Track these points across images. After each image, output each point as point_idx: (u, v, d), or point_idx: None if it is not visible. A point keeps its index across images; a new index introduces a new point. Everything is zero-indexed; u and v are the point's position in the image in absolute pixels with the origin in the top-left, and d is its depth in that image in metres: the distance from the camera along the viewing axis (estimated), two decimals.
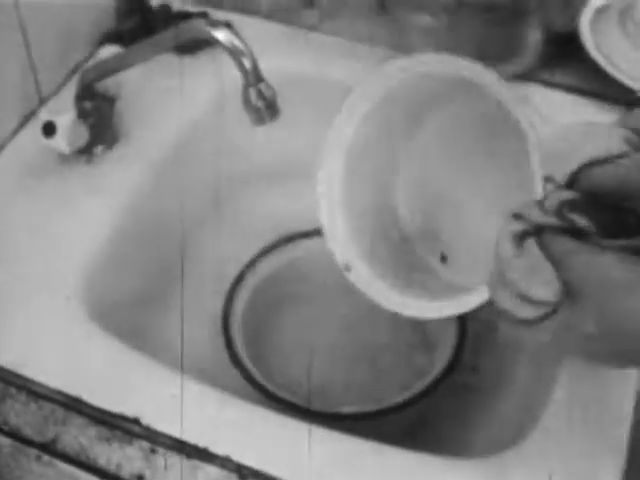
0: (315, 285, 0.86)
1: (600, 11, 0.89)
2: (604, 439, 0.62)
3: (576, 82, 0.88)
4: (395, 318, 0.83)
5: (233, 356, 0.74)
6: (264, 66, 0.70)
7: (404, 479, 0.61)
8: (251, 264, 0.82)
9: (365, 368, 0.82)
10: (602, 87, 0.86)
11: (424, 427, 0.79)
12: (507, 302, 0.47)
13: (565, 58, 0.89)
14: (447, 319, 0.78)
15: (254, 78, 0.67)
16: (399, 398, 0.73)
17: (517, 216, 0.48)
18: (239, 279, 0.81)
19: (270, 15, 0.97)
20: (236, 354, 0.74)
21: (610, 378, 0.66)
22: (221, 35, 0.66)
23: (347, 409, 0.73)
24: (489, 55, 0.87)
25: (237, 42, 0.66)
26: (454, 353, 0.75)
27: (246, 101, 0.68)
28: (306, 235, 0.85)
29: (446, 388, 0.76)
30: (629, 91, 0.83)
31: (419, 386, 0.74)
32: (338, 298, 0.86)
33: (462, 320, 0.77)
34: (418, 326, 0.84)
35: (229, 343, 0.75)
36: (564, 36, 0.87)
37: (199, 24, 0.69)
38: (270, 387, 0.72)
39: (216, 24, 0.67)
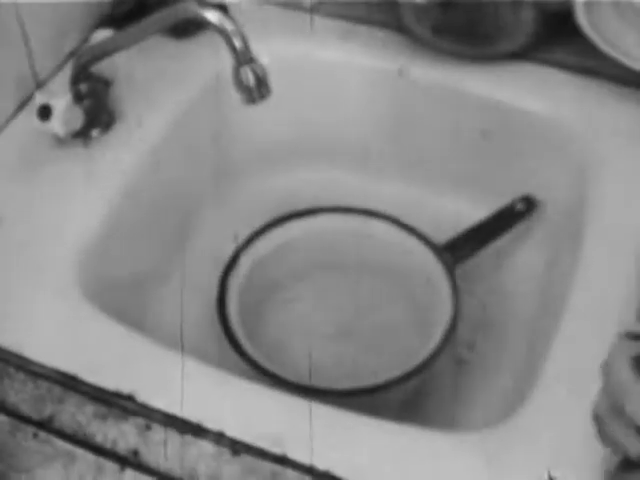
0: (310, 264, 0.87)
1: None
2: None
3: (572, 60, 0.88)
4: (390, 296, 0.84)
5: (229, 334, 0.75)
6: (263, 48, 0.71)
7: (400, 453, 0.61)
8: (247, 243, 0.83)
9: (361, 346, 0.82)
10: (598, 65, 0.86)
11: (421, 402, 0.79)
12: (621, 436, 0.42)
13: (560, 37, 0.89)
14: (441, 297, 0.79)
15: (244, 58, 0.67)
16: (395, 374, 0.74)
17: (631, 335, 0.43)
18: (234, 258, 0.81)
19: None
20: (232, 332, 0.75)
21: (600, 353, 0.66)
22: (211, 15, 0.67)
23: (343, 385, 0.74)
24: (482, 34, 0.88)
25: (227, 22, 0.66)
26: (448, 329, 0.76)
27: (237, 81, 0.68)
28: (302, 214, 0.86)
29: (442, 364, 0.76)
30: (624, 68, 0.83)
31: (415, 362, 0.74)
32: (333, 277, 0.87)
33: (456, 298, 0.78)
34: (413, 304, 0.85)
35: (225, 321, 0.76)
36: (559, 15, 0.87)
37: (190, 5, 0.69)
38: (265, 364, 0.73)
39: (207, 5, 0.68)
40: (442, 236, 0.84)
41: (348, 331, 0.83)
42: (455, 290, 0.79)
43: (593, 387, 0.63)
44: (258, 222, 0.86)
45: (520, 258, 0.89)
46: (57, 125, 0.76)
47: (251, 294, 0.82)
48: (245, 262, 0.82)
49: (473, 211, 0.89)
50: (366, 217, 0.86)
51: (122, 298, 0.75)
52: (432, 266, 0.82)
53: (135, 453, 0.60)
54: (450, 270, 0.81)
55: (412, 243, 0.84)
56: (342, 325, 0.84)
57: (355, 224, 0.86)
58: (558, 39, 0.88)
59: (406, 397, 0.78)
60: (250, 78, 0.68)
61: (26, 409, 0.63)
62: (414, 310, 0.84)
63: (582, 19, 0.86)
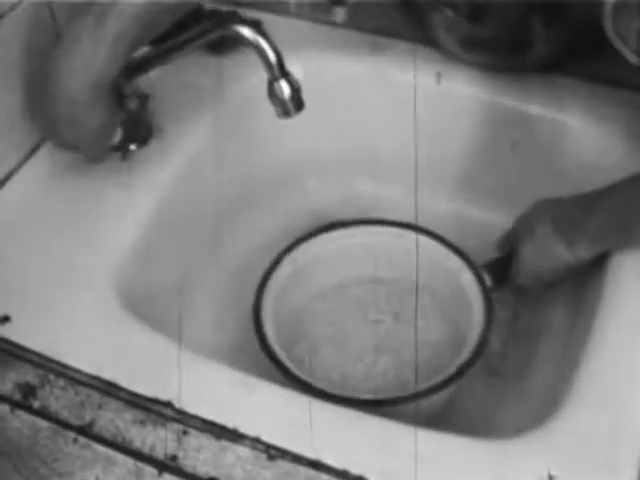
0: (347, 276, 0.88)
1: (622, 1, 0.89)
2: (625, 423, 0.63)
3: (602, 72, 0.89)
4: (424, 309, 0.84)
5: (263, 342, 0.76)
6: (293, 63, 0.72)
7: (433, 459, 0.62)
8: (283, 254, 0.83)
9: (396, 356, 0.83)
10: (628, 76, 0.86)
11: (453, 413, 0.80)
12: None
13: (590, 48, 0.89)
14: (474, 309, 0.79)
15: (279, 72, 0.69)
16: (430, 383, 0.74)
17: None
18: (272, 267, 0.82)
19: (299, 14, 0.99)
20: (266, 340, 0.76)
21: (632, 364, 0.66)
22: (246, 31, 0.68)
23: (378, 395, 0.74)
24: (512, 46, 0.89)
25: (261, 37, 0.68)
26: (481, 340, 0.76)
27: (272, 94, 0.70)
28: (344, 225, 0.87)
29: (474, 373, 0.77)
30: None
31: (448, 371, 0.75)
32: (368, 289, 0.87)
33: (489, 311, 0.78)
34: (448, 318, 0.85)
35: (259, 329, 0.77)
36: (589, 26, 0.88)
37: (226, 22, 0.71)
38: (298, 373, 0.74)
39: (242, 21, 0.70)
40: (470, 245, 0.85)
41: (382, 343, 0.84)
42: (489, 304, 0.79)
43: (626, 397, 0.64)
44: (293, 234, 0.87)
45: None
46: None
47: (288, 303, 0.83)
48: (283, 271, 0.82)
49: (500, 221, 0.89)
50: (402, 229, 0.86)
51: (158, 306, 0.77)
52: (466, 280, 0.82)
53: (173, 458, 0.61)
54: (484, 286, 0.81)
55: (448, 257, 0.83)
56: (376, 337, 0.84)
57: (393, 237, 0.86)
58: (588, 51, 0.89)
59: (438, 408, 0.78)
60: (285, 92, 0.69)
61: (66, 415, 0.64)
62: (448, 323, 0.84)
63: (611, 30, 0.86)
